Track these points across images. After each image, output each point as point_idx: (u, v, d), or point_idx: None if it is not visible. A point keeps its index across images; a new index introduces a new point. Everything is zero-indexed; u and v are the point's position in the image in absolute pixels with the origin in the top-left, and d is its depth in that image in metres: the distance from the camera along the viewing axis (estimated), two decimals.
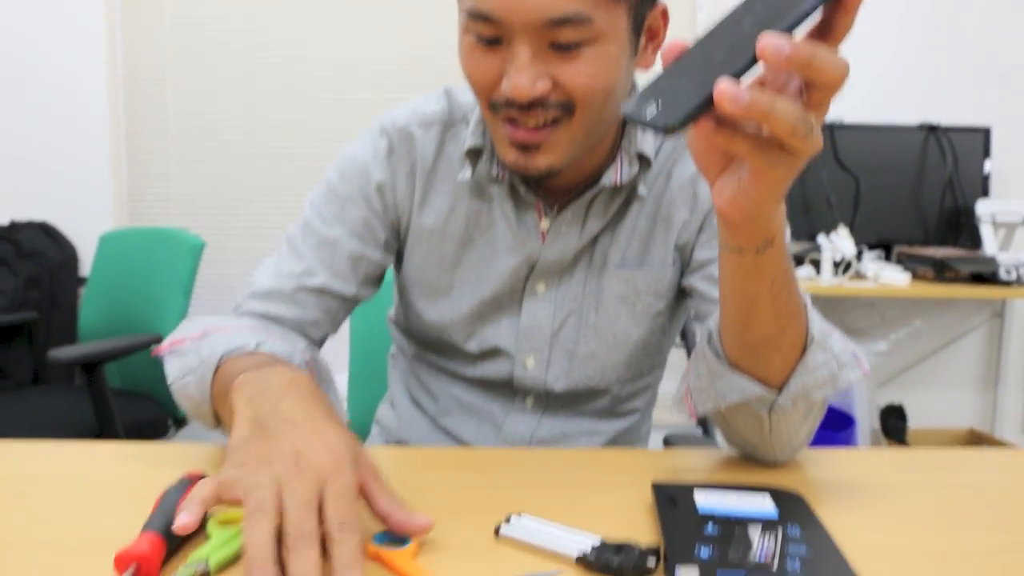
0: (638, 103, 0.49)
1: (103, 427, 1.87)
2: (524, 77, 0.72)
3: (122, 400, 2.00)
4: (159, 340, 2.01)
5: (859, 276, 2.44)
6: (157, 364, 2.10)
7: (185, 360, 0.77)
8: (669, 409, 0.83)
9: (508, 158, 0.79)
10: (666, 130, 0.47)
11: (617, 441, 0.98)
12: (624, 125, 0.86)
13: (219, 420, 0.75)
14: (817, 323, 0.71)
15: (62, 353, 1.81)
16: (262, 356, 0.73)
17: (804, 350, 0.70)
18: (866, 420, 2.52)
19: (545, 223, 0.89)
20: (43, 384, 2.56)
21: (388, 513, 0.57)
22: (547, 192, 0.88)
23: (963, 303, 2.84)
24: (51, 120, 2.77)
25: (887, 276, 2.36)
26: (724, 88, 0.45)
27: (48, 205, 2.77)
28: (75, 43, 2.75)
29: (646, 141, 0.86)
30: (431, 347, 0.98)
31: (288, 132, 2.82)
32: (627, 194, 0.89)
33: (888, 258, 2.62)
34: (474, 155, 0.88)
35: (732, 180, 0.57)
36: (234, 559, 0.55)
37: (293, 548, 0.50)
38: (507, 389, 0.95)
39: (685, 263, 0.92)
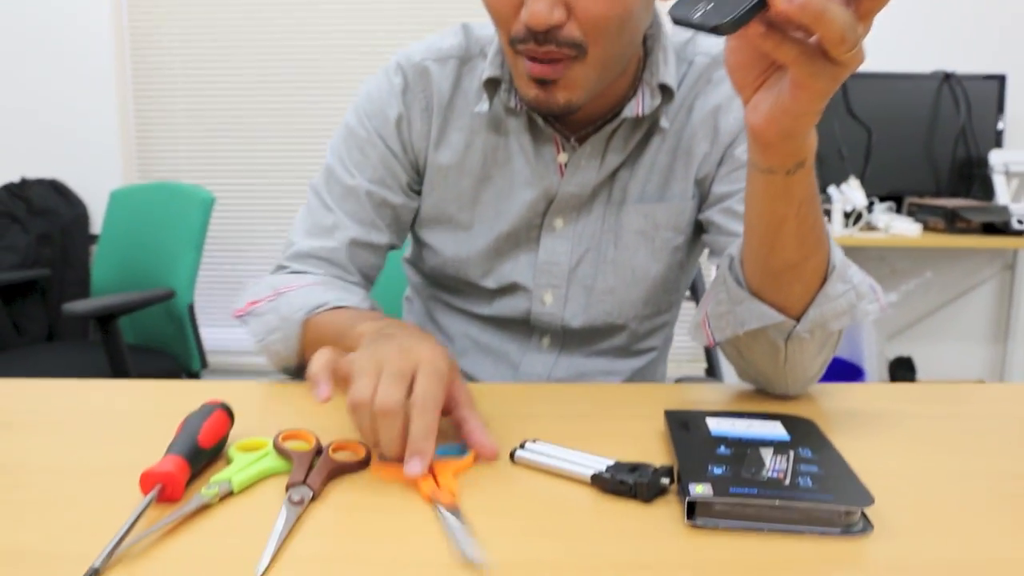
0: (684, 4, 0.48)
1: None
2: (541, 4, 0.71)
3: (136, 355, 2.02)
4: (172, 294, 2.03)
5: (870, 227, 2.43)
6: (171, 319, 2.12)
7: (265, 320, 0.84)
8: (677, 361, 0.85)
9: (529, 94, 0.78)
10: (717, 31, 0.47)
11: (633, 380, 0.99)
12: (646, 56, 0.86)
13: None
14: (838, 254, 0.72)
15: (77, 307, 1.82)
16: (347, 312, 0.81)
17: (825, 279, 0.71)
18: (875, 372, 2.53)
19: (563, 156, 0.88)
20: (57, 340, 2.59)
21: (465, 419, 0.62)
22: (566, 125, 0.87)
23: (974, 255, 2.83)
24: (59, 77, 2.76)
25: (898, 226, 2.35)
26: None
27: (57, 162, 2.77)
28: (82, 1, 2.73)
29: (668, 72, 0.85)
30: (447, 286, 0.98)
31: (297, 85, 2.81)
32: (648, 127, 0.88)
33: (899, 210, 2.60)
34: (492, 86, 0.87)
35: (770, 95, 0.57)
36: (255, 480, 0.57)
37: (380, 416, 0.56)
38: (524, 327, 0.96)
39: (704, 196, 0.91)
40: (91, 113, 2.77)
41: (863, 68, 2.12)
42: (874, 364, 2.50)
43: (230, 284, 2.91)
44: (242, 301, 0.88)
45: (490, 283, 0.94)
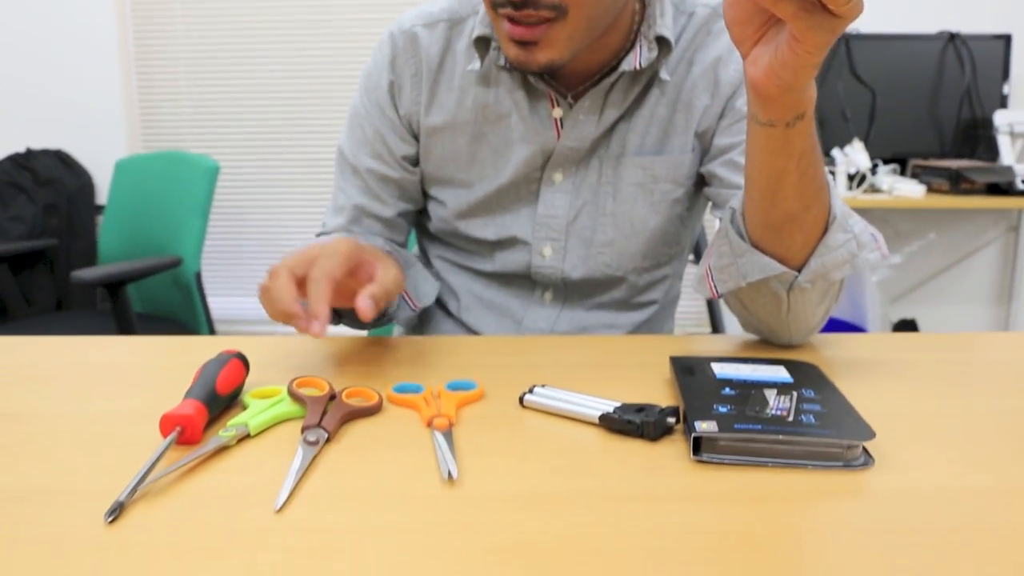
0: None
1: None
2: None
3: (144, 323, 2.04)
4: (179, 262, 2.04)
5: (873, 190, 2.43)
6: (178, 287, 2.14)
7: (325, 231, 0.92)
8: (682, 325, 0.85)
9: (510, 53, 0.79)
10: None
11: (637, 334, 1.00)
12: (644, 8, 0.86)
13: None
14: (839, 204, 0.73)
15: (85, 274, 1.84)
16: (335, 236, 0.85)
17: (826, 229, 0.72)
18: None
19: (558, 111, 0.88)
20: (66, 309, 2.61)
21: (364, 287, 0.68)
22: (561, 80, 0.87)
23: (978, 216, 2.82)
24: (62, 48, 2.76)
25: (901, 188, 2.35)
26: None
27: (62, 133, 2.78)
28: None
29: (665, 25, 0.85)
30: (451, 242, 0.99)
31: (300, 55, 2.80)
32: (647, 80, 0.88)
33: (903, 172, 2.60)
34: (482, 44, 0.87)
35: (769, 49, 0.58)
36: (271, 424, 0.59)
37: (266, 290, 0.67)
38: (525, 282, 0.97)
39: (705, 149, 0.91)
40: (95, 83, 2.77)
41: (867, 29, 2.12)
42: (877, 326, 2.51)
43: (236, 253, 2.92)
44: None
45: (490, 235, 0.95)
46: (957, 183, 2.33)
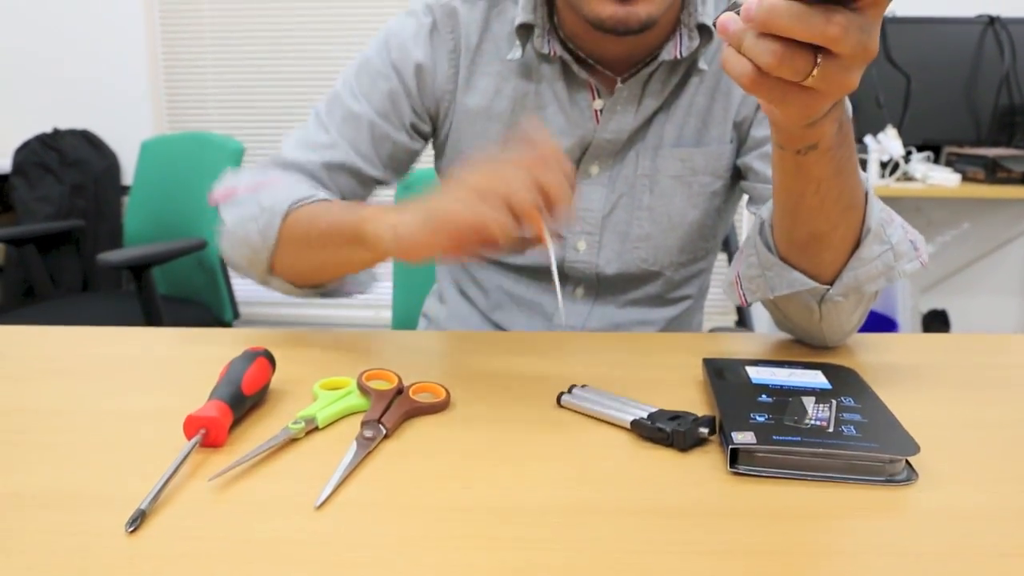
0: None
1: None
2: None
3: (169, 306, 2.04)
4: (204, 244, 2.04)
5: (907, 178, 2.38)
6: (203, 269, 2.14)
7: (244, 209, 0.80)
8: (708, 313, 0.83)
9: (605, 12, 0.75)
10: None
11: (669, 330, 0.98)
12: None
13: (272, 269, 0.80)
14: (876, 212, 0.70)
15: (111, 257, 1.84)
16: (338, 203, 0.80)
17: (859, 243, 0.69)
18: (908, 325, 2.50)
19: (599, 103, 0.86)
20: (92, 291, 2.63)
21: None
22: (602, 70, 0.85)
23: (1013, 206, 2.76)
24: (88, 28, 2.76)
25: (936, 177, 2.29)
26: (721, 18, 0.48)
27: (88, 113, 2.78)
28: None
29: (706, 12, 0.83)
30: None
31: (327, 34, 2.78)
32: (686, 69, 0.86)
33: (937, 160, 2.54)
34: (524, 32, 0.85)
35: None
36: (338, 417, 0.59)
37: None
38: (559, 279, 0.94)
39: (742, 140, 0.89)
40: (121, 63, 2.77)
41: (903, 12, 2.05)
42: (908, 317, 2.48)
43: None
44: (219, 189, 0.84)
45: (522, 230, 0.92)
46: (993, 172, 2.28)
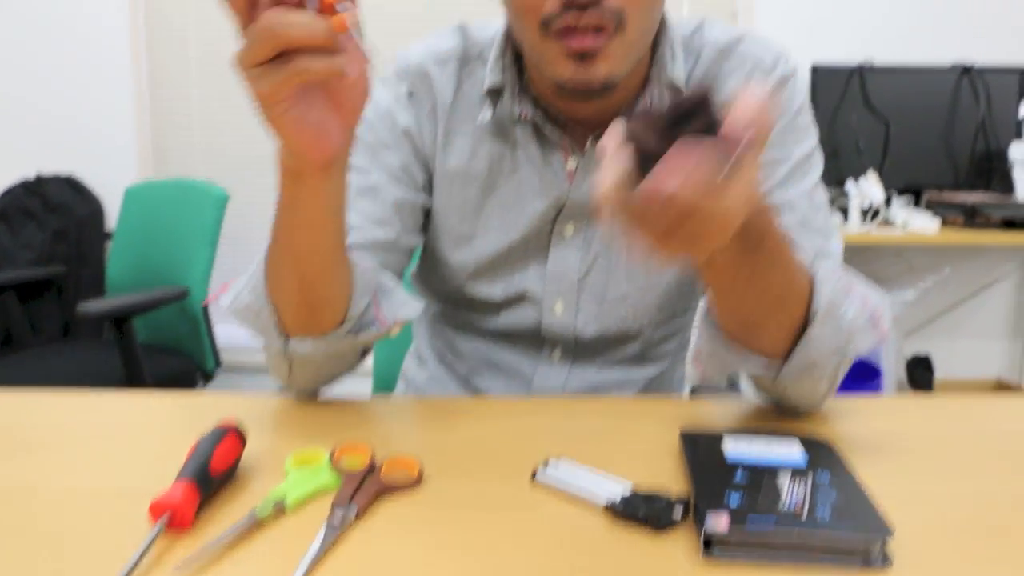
0: None
1: (132, 381, 1.90)
2: None
3: (151, 354, 2.03)
4: (186, 293, 2.03)
5: (887, 223, 2.40)
6: (185, 317, 2.13)
7: (235, 285, 0.77)
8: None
9: (565, 73, 0.75)
10: None
11: (649, 389, 0.97)
12: (655, 51, 0.83)
13: (280, 323, 0.74)
14: (826, 293, 0.68)
15: (91, 307, 1.83)
16: None
17: (807, 324, 0.68)
18: (892, 371, 2.51)
19: (572, 162, 0.86)
20: (72, 338, 2.61)
21: None
22: (574, 129, 0.85)
23: (993, 251, 2.79)
24: (75, 73, 2.77)
25: (916, 223, 2.32)
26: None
27: (73, 158, 2.78)
28: None
29: (676, 68, 0.83)
30: (455, 300, 0.96)
31: None
32: None
33: (917, 204, 2.57)
34: (494, 95, 0.85)
35: None
36: (309, 497, 0.58)
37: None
38: (535, 340, 0.94)
39: None
40: (107, 109, 2.78)
41: (881, 60, 2.09)
42: (891, 363, 2.48)
43: None
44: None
45: (498, 293, 0.92)
46: (972, 218, 2.31)
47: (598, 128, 0.84)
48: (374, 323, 0.78)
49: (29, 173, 2.73)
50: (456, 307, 0.97)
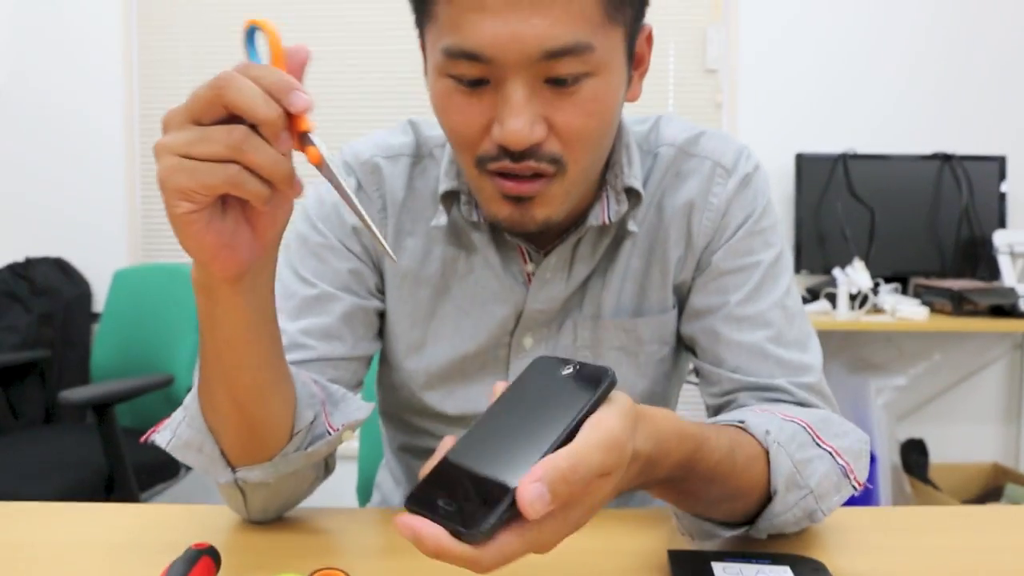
0: (421, 495, 0.45)
1: (114, 469, 1.86)
2: (520, 121, 0.64)
3: (133, 440, 1.98)
4: (171, 381, 2.01)
5: (876, 310, 2.41)
6: (169, 403, 2.10)
7: (171, 422, 0.71)
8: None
9: (501, 214, 0.71)
10: (467, 539, 0.42)
11: (632, 497, 0.93)
12: (610, 156, 0.78)
13: (225, 454, 0.68)
14: (783, 471, 0.64)
15: (73, 395, 1.81)
16: None
17: (770, 498, 0.65)
18: (886, 456, 2.48)
19: (531, 266, 0.82)
20: (55, 423, 2.56)
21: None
22: (531, 235, 0.79)
23: (980, 338, 2.80)
24: (66, 156, 2.79)
25: (904, 310, 2.33)
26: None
27: (62, 241, 2.78)
28: (91, 80, 2.78)
29: (633, 174, 0.78)
30: (408, 408, 0.90)
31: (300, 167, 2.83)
32: (615, 232, 0.81)
33: (905, 291, 2.59)
34: (449, 199, 0.80)
35: None
36: None
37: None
38: None
39: (682, 307, 0.84)
40: (96, 192, 2.80)
41: (863, 148, 2.14)
42: (885, 448, 2.46)
43: None
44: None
45: (450, 409, 0.85)
46: (960, 305, 2.32)
47: (555, 236, 0.80)
48: (324, 435, 0.72)
49: (17, 256, 2.72)
50: (411, 413, 0.90)
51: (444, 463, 0.46)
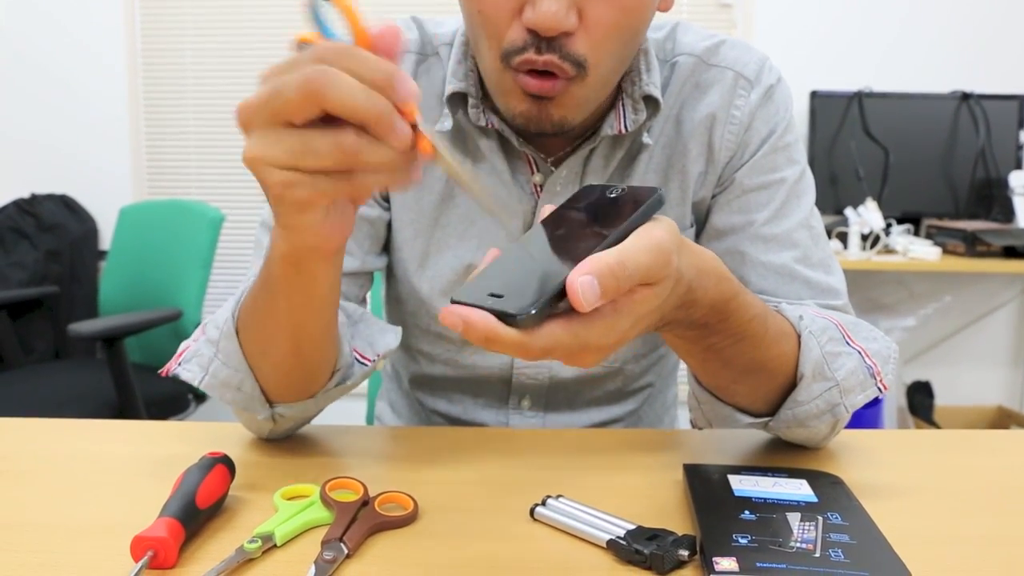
0: (471, 288, 0.45)
1: (124, 402, 1.87)
2: (555, 3, 0.61)
3: (143, 375, 2.00)
4: (179, 315, 2.01)
5: (888, 250, 2.39)
6: (178, 338, 2.10)
7: (198, 358, 0.68)
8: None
9: (518, 108, 0.68)
10: (514, 323, 0.42)
11: (630, 423, 0.92)
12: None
13: (267, 396, 0.67)
14: (813, 356, 0.63)
15: (82, 327, 1.81)
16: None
17: (795, 384, 0.64)
18: (892, 398, 2.48)
19: (538, 177, 0.79)
20: (65, 358, 2.58)
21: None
22: (540, 144, 0.77)
23: (993, 278, 2.78)
24: (71, 94, 2.76)
25: (916, 250, 2.31)
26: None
27: (68, 178, 2.77)
28: (94, 18, 2.73)
29: (652, 81, 0.74)
30: (414, 328, 0.88)
31: None
32: (631, 143, 0.78)
33: (917, 232, 2.56)
34: (455, 102, 0.77)
35: None
36: (299, 532, 0.55)
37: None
38: (500, 391, 0.87)
39: (701, 225, 0.82)
40: (101, 129, 2.77)
41: (880, 86, 2.09)
42: (892, 389, 2.46)
43: None
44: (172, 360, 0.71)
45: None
46: (973, 245, 2.30)
47: (566, 144, 0.78)
48: (354, 363, 0.71)
49: (23, 192, 2.71)
50: (417, 336, 0.89)
51: (491, 266, 0.48)
